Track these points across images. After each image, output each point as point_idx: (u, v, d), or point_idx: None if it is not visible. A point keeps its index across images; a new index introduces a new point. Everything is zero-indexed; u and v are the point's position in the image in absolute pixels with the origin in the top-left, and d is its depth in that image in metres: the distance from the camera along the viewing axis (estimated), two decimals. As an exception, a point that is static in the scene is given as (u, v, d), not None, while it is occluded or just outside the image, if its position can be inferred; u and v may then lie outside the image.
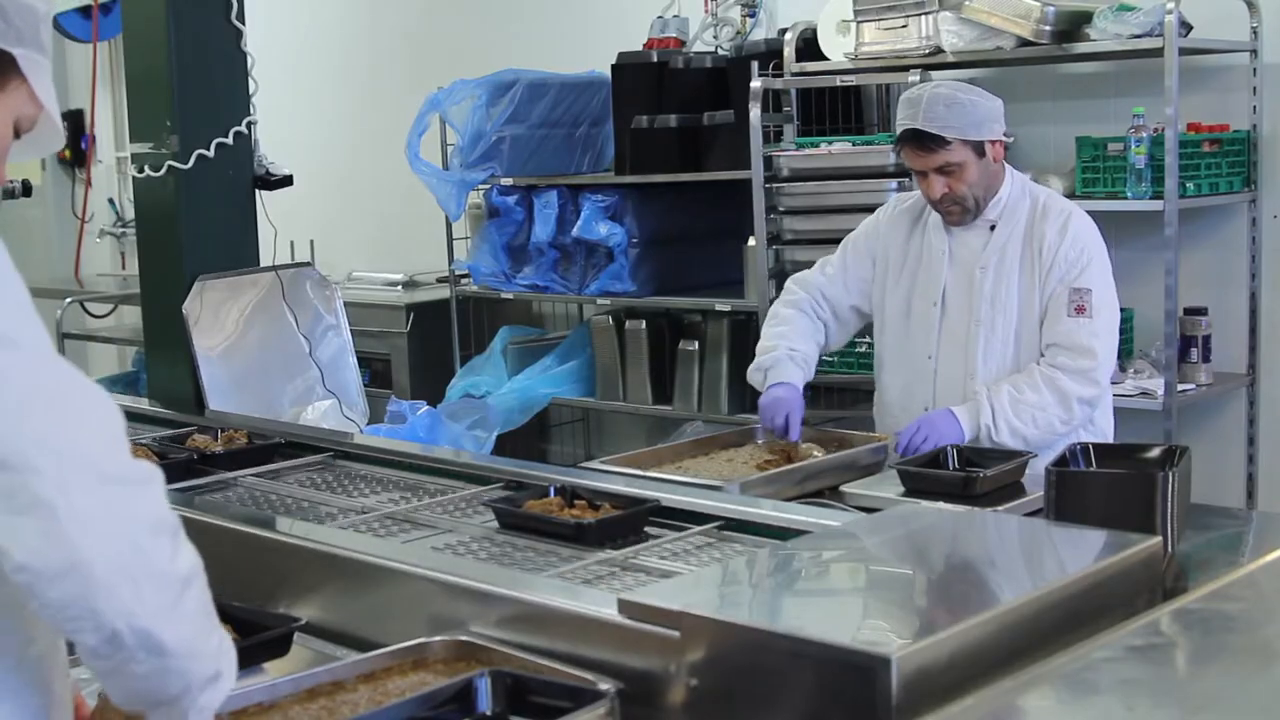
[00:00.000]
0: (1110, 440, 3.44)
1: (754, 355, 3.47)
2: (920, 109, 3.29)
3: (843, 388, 5.25)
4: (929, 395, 3.50)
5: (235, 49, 4.42)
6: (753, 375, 3.61)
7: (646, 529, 2.69)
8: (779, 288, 5.07)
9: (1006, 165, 3.47)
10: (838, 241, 4.75)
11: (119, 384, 6.80)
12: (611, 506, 2.72)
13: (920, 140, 3.31)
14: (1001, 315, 3.40)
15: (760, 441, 3.44)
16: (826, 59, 5.16)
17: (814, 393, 5.16)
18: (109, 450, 1.53)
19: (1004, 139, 3.41)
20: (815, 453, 3.29)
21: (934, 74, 4.74)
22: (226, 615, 2.27)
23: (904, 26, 4.85)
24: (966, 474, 2.91)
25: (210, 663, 1.62)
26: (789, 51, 5.19)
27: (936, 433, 3.23)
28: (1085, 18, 4.53)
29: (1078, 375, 3.29)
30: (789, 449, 3.30)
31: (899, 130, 3.36)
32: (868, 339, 5.00)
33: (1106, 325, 3.36)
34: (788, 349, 3.54)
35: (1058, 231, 3.37)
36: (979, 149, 3.34)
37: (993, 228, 3.44)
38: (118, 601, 1.49)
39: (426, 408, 5.36)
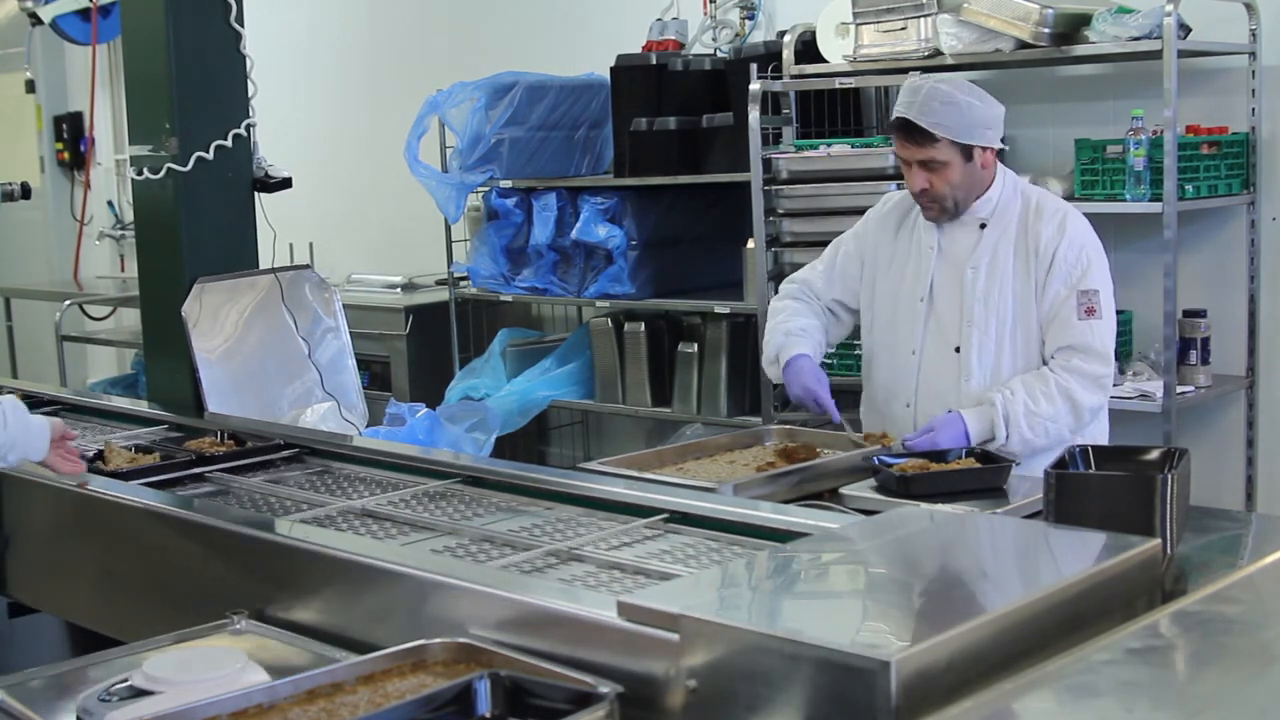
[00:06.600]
0: (1105, 442, 3.43)
1: (756, 357, 3.47)
2: (917, 100, 3.30)
3: (842, 389, 5.23)
4: (910, 391, 3.50)
5: (234, 52, 4.42)
6: (769, 369, 3.63)
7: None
8: (778, 290, 5.08)
9: (999, 164, 3.45)
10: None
11: (118, 386, 6.79)
12: (252, 444, 3.56)
13: (908, 131, 3.32)
14: (995, 316, 3.38)
15: (768, 443, 3.42)
16: (825, 61, 5.16)
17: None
18: None
19: (996, 146, 3.39)
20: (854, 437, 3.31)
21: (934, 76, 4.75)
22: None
23: (903, 29, 4.85)
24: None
25: None
26: (788, 54, 5.19)
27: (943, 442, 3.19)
28: (1084, 20, 4.54)
29: (1090, 382, 3.28)
30: (793, 451, 3.25)
31: (893, 115, 3.38)
32: (866, 340, 5.03)
33: (1110, 328, 3.35)
34: (784, 331, 3.57)
35: (1055, 230, 3.36)
36: (967, 153, 3.33)
37: (983, 226, 3.42)
38: None
39: (425, 410, 5.35)
